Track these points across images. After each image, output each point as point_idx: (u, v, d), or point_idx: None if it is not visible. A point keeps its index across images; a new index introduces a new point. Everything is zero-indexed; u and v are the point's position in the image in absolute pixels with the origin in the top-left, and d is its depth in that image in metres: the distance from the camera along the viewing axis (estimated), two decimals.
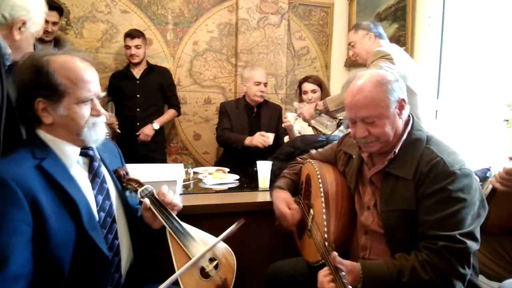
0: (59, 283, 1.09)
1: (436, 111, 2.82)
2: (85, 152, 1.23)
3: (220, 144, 3.17)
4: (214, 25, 3.64)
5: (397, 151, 1.28)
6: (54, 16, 2.72)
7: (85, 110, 1.17)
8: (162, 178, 1.77)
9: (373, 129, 1.26)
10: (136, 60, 3.10)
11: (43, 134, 1.17)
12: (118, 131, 3.03)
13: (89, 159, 1.25)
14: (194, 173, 2.48)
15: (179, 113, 3.38)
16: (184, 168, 2.28)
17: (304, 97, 2.91)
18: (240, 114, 3.05)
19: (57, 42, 2.86)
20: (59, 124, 1.15)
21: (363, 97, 1.25)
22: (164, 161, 3.35)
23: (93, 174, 1.24)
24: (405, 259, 1.13)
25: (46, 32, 2.70)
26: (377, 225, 1.32)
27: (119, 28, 3.37)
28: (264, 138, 2.75)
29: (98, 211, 1.20)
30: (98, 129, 1.20)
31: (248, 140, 2.81)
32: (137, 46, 3.07)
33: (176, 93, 3.37)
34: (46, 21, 2.67)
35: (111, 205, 1.25)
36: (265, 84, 3.01)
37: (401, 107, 1.28)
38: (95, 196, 1.21)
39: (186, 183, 2.25)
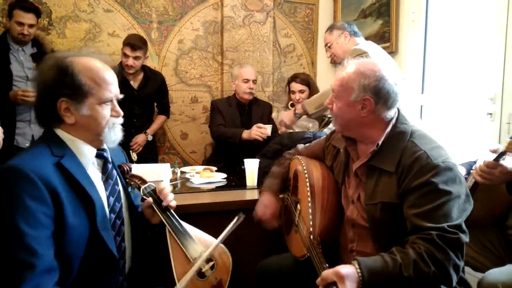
0: (67, 280, 1.09)
1: (421, 106, 2.85)
2: (100, 153, 1.24)
3: (215, 140, 3.12)
4: (199, 23, 3.61)
5: (380, 143, 1.28)
6: (30, 19, 2.63)
7: (106, 110, 1.19)
8: (149, 178, 1.75)
9: (334, 106, 1.36)
10: (131, 71, 2.93)
11: (61, 132, 1.18)
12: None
13: (103, 160, 1.26)
14: (182, 172, 2.47)
15: (168, 117, 3.35)
16: (171, 167, 2.26)
17: (292, 96, 2.91)
18: (233, 112, 3.03)
19: (36, 42, 2.79)
20: (80, 124, 1.17)
21: (340, 74, 1.34)
22: (156, 161, 3.30)
23: (107, 176, 1.26)
24: (403, 253, 1.11)
25: (21, 34, 2.61)
26: (361, 219, 1.33)
27: (103, 27, 3.32)
28: (261, 130, 2.70)
29: (109, 213, 1.21)
30: (117, 129, 1.23)
31: (246, 134, 2.76)
32: (136, 58, 2.85)
33: (168, 98, 3.31)
34: (22, 23, 2.60)
35: (121, 208, 1.27)
36: (254, 81, 2.99)
37: (364, 106, 1.28)
38: (107, 197, 1.23)
39: (173, 182, 2.23)
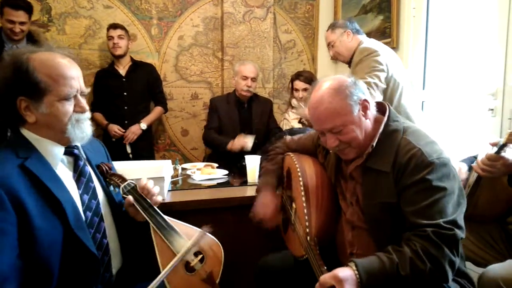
0: (49, 285, 1.07)
1: (423, 102, 2.85)
2: (69, 151, 1.21)
3: (205, 144, 3.15)
4: (199, 19, 3.60)
5: (374, 144, 1.26)
6: (20, 16, 2.61)
7: (68, 106, 1.14)
8: (150, 175, 1.75)
9: (342, 137, 1.25)
10: (118, 52, 3.02)
11: (27, 132, 1.15)
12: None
13: (73, 158, 1.23)
14: (183, 169, 2.47)
15: (166, 110, 3.34)
16: (172, 164, 2.26)
17: (296, 94, 2.90)
18: (231, 109, 3.02)
19: (31, 38, 2.78)
20: (42, 123, 1.13)
21: (324, 109, 1.24)
22: (152, 158, 3.31)
23: (78, 173, 1.23)
24: (399, 252, 1.11)
25: (12, 31, 2.61)
26: (361, 221, 1.31)
27: (102, 24, 3.31)
28: (241, 142, 2.71)
29: (84, 211, 1.19)
30: (82, 126, 1.18)
31: (230, 145, 2.77)
32: (119, 36, 3.02)
33: (162, 89, 3.33)
34: (13, 22, 2.59)
35: (98, 204, 1.24)
36: (253, 79, 2.96)
37: (364, 108, 1.26)
38: (81, 196, 1.20)
39: (175, 179, 2.23)
